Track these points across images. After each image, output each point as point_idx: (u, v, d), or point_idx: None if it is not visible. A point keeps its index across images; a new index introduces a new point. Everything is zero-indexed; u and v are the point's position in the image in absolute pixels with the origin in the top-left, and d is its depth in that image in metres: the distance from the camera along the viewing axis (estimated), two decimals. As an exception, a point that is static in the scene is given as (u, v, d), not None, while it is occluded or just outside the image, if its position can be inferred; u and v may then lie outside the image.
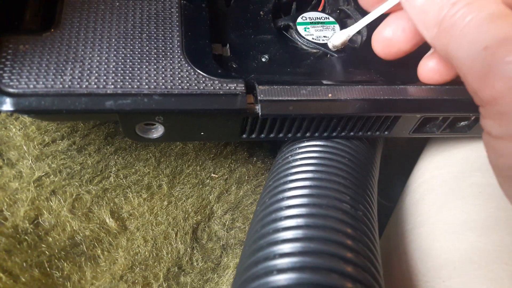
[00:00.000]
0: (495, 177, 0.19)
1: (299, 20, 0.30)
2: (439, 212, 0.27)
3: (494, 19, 0.17)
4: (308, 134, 0.26)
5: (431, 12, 0.19)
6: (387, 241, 0.30)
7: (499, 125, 0.16)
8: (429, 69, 0.25)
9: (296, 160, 0.25)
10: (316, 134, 0.26)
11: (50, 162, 0.30)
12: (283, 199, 0.22)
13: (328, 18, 0.31)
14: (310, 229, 0.20)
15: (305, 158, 0.25)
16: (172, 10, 0.26)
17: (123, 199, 0.30)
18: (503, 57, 0.16)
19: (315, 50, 0.29)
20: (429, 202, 0.28)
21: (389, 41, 0.24)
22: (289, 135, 0.26)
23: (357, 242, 0.20)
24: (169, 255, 0.29)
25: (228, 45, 0.27)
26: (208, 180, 0.33)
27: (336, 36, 0.27)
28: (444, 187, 0.28)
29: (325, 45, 0.29)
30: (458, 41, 0.18)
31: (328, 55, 0.29)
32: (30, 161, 0.29)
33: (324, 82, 0.25)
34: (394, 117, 0.26)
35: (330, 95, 0.24)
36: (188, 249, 0.30)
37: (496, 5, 0.18)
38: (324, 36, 0.29)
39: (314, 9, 0.32)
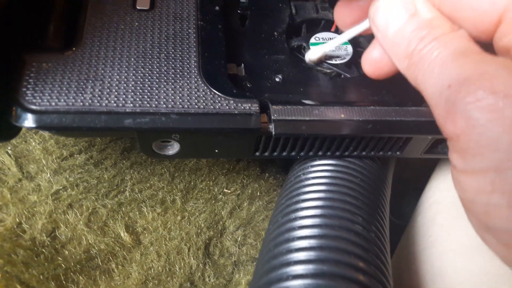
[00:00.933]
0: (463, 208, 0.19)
1: (312, 40, 0.31)
2: (449, 234, 0.27)
3: (458, 56, 0.17)
4: (320, 153, 0.27)
5: (401, 45, 0.19)
6: (398, 260, 0.30)
7: (463, 160, 0.17)
8: None
9: (309, 179, 0.26)
10: (328, 153, 0.27)
11: (67, 176, 0.30)
12: (295, 218, 0.23)
13: (341, 39, 0.31)
14: (323, 251, 0.20)
15: (318, 177, 0.25)
16: (189, 31, 0.27)
17: (137, 213, 0.31)
18: (464, 97, 0.16)
19: (328, 71, 0.29)
20: (440, 223, 0.28)
21: (377, 63, 0.24)
22: (302, 153, 0.27)
23: (369, 264, 0.20)
24: (182, 270, 0.29)
25: (242, 65, 0.28)
26: (220, 196, 0.34)
27: (312, 51, 0.29)
28: (454, 209, 0.28)
29: (337, 66, 0.29)
30: (425, 76, 0.18)
31: (342, 76, 0.29)
32: (49, 175, 0.30)
33: (337, 102, 0.26)
34: (405, 138, 0.26)
35: (342, 115, 0.24)
36: (201, 264, 0.30)
37: (463, 41, 0.18)
38: (337, 57, 0.30)
39: (327, 29, 0.32)
